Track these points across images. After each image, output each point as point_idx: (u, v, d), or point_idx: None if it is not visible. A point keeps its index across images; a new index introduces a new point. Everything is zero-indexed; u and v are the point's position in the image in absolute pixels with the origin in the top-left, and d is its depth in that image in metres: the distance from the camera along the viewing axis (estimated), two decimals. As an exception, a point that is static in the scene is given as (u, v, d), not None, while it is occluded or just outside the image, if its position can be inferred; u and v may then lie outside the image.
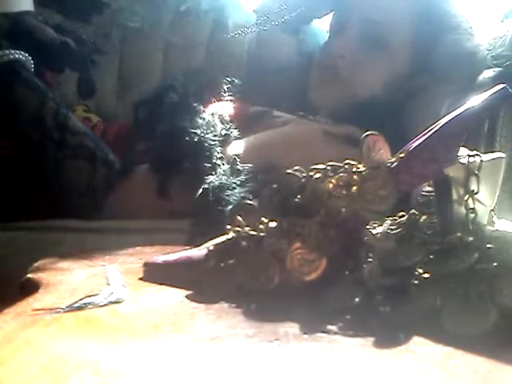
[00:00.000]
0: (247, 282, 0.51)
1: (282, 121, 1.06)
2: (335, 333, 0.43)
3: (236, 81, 1.17)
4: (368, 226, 0.52)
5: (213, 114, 1.00)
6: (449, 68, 0.98)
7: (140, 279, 0.56)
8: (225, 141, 0.96)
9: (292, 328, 0.43)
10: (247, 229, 0.53)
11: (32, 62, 1.00)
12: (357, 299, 0.47)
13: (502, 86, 0.49)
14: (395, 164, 0.50)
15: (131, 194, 0.96)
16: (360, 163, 0.51)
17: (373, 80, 1.01)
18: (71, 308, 0.45)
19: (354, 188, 0.51)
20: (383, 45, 1.00)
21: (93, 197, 0.95)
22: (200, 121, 0.98)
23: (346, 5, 1.04)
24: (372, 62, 1.01)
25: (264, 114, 1.08)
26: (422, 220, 0.51)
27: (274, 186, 0.54)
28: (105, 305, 0.47)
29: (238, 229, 0.54)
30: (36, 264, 0.63)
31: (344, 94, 1.01)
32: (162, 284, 0.54)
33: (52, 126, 0.95)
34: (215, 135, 0.95)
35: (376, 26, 1.00)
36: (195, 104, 1.04)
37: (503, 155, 0.52)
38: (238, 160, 0.90)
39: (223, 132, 0.97)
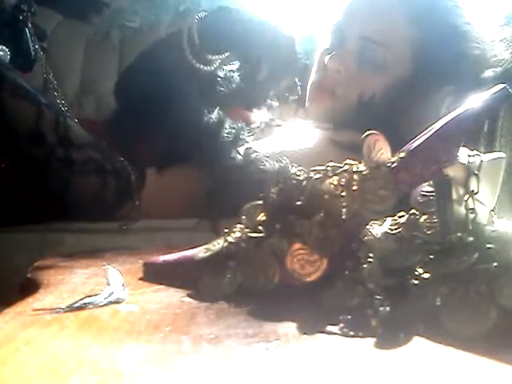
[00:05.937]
0: (247, 282, 0.51)
1: (285, 129, 1.05)
2: (335, 333, 0.43)
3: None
4: (368, 226, 0.52)
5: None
6: (452, 75, 0.97)
7: (140, 279, 0.56)
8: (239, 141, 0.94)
9: (292, 328, 0.43)
10: (247, 230, 0.53)
11: (8, 53, 0.89)
12: (357, 299, 0.47)
13: (502, 85, 0.49)
14: (395, 164, 0.50)
15: (150, 198, 0.92)
16: (360, 163, 0.51)
17: (368, 95, 0.99)
18: (71, 308, 0.45)
19: (354, 188, 0.51)
20: (381, 63, 0.98)
21: (104, 209, 0.91)
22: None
23: (347, 20, 1.03)
24: (368, 78, 0.99)
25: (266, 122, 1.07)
26: (421, 220, 0.51)
27: (275, 186, 0.54)
28: (105, 305, 0.47)
29: (238, 229, 0.54)
30: (36, 264, 0.63)
31: (338, 108, 1.00)
32: (161, 284, 0.54)
33: (54, 141, 0.88)
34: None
35: (375, 45, 0.98)
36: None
37: (503, 155, 0.52)
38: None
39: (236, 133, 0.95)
